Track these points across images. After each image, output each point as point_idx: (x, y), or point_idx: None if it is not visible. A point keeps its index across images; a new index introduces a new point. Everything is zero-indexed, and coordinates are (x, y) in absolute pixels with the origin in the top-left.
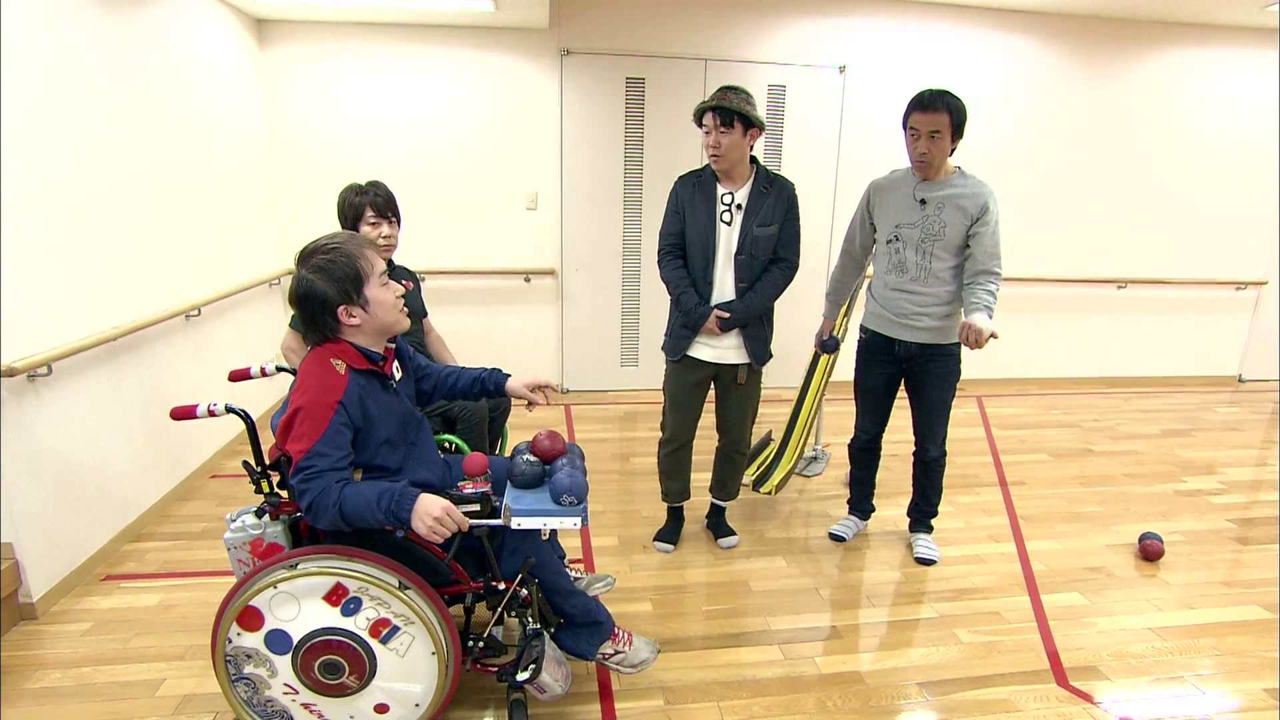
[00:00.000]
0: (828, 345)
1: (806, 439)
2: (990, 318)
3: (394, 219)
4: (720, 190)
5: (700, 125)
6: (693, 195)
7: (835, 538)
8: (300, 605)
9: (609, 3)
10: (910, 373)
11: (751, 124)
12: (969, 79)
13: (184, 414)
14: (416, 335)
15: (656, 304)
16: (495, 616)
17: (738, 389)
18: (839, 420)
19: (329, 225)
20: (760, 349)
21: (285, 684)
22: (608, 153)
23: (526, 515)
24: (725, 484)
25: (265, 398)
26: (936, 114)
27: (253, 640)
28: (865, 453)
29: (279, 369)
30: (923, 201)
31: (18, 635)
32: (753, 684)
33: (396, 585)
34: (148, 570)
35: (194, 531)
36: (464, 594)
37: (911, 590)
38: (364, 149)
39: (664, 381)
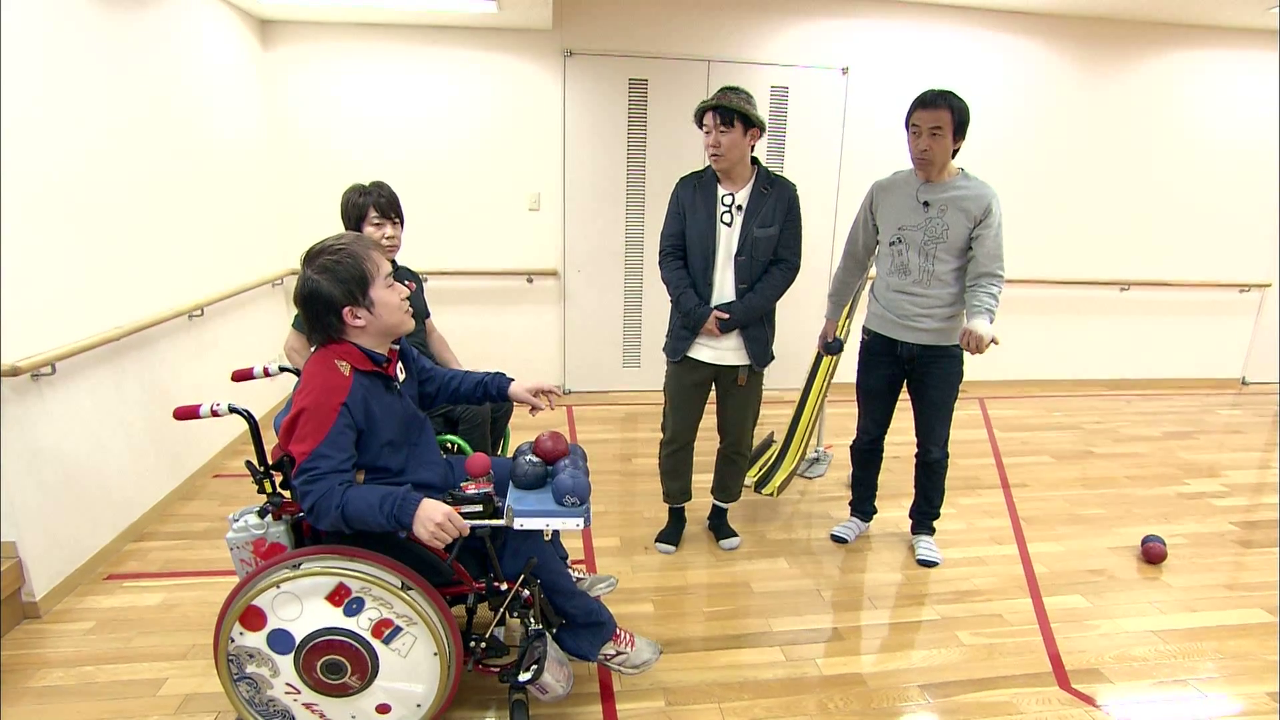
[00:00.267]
0: (831, 347)
1: (809, 440)
2: (992, 321)
3: (397, 220)
4: (721, 191)
5: (701, 125)
6: (693, 196)
7: (837, 539)
8: (303, 605)
9: (612, 4)
10: (912, 374)
11: (752, 124)
12: (971, 80)
13: (187, 414)
14: (419, 336)
15: (658, 305)
16: (497, 617)
17: (738, 390)
18: (841, 422)
19: (332, 226)
20: (761, 351)
21: (287, 684)
22: (610, 153)
23: (529, 516)
24: (726, 485)
25: (268, 398)
26: (938, 111)
27: (255, 640)
28: (867, 454)
29: (282, 369)
30: (926, 204)
31: (20, 634)
32: (754, 685)
33: (399, 586)
34: (150, 570)
35: (196, 531)
36: (466, 594)
37: (913, 592)
38: (367, 149)
39: (665, 382)
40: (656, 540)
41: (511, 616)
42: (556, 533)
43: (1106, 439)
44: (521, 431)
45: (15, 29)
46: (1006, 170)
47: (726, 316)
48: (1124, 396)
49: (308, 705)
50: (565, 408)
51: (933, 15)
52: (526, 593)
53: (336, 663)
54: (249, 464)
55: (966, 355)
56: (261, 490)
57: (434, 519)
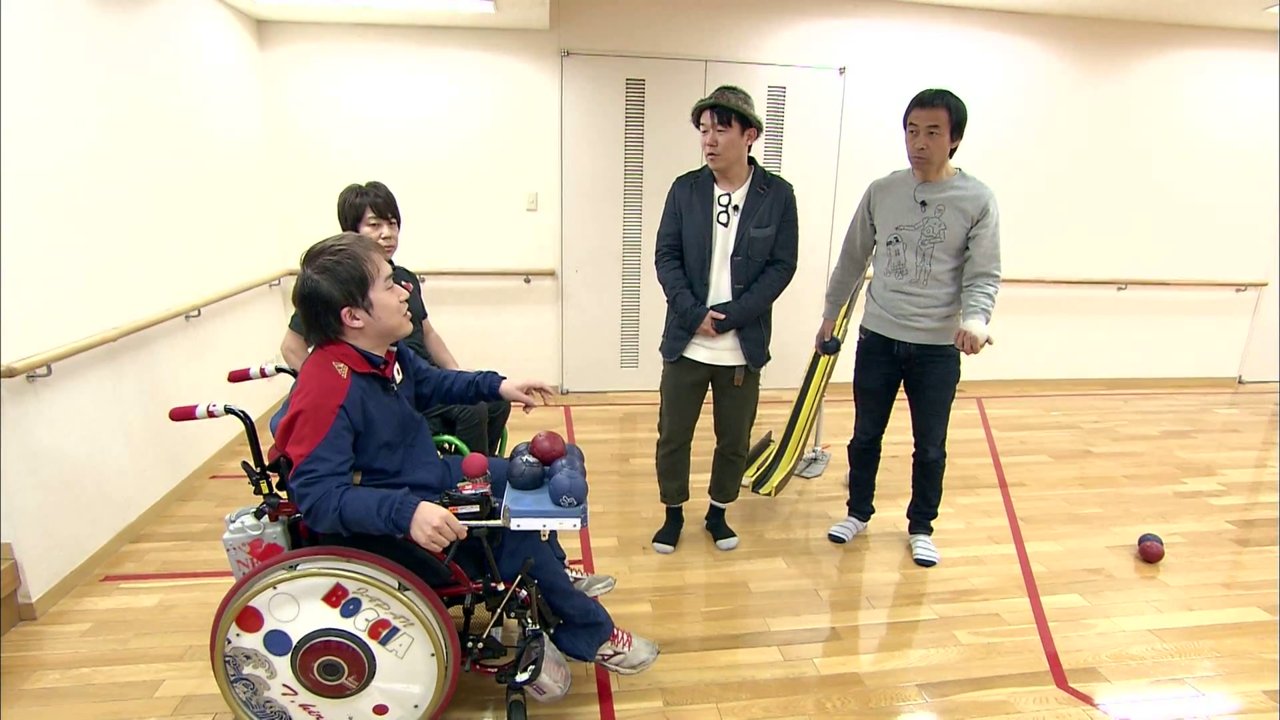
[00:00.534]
0: (828, 346)
1: (806, 440)
2: (987, 321)
3: (394, 220)
4: (717, 191)
5: (698, 124)
6: (690, 196)
7: (835, 539)
8: (299, 606)
9: (609, 4)
10: (910, 374)
11: (749, 123)
12: (969, 80)
13: (183, 415)
14: (416, 336)
15: (656, 305)
16: (494, 617)
17: (734, 391)
18: (839, 421)
19: (329, 226)
20: (757, 351)
21: (284, 685)
22: (608, 154)
23: (526, 516)
24: (724, 485)
25: (265, 399)
26: (936, 110)
27: (252, 641)
28: (865, 454)
29: (279, 370)
30: (923, 203)
31: (17, 636)
32: (752, 685)
33: (396, 586)
34: (147, 571)
35: (193, 532)
36: (463, 595)
37: (911, 592)
38: (364, 150)
39: (661, 383)
40: (654, 540)
41: (509, 617)
42: (554, 533)
43: (1104, 438)
44: (519, 432)
45: (13, 29)
46: (1004, 170)
47: (722, 317)
48: (1122, 396)
49: (305, 706)
50: (563, 408)
51: (930, 15)
52: (524, 593)
53: (333, 664)
54: (245, 465)
55: (963, 355)
56: (258, 491)
57: (431, 522)
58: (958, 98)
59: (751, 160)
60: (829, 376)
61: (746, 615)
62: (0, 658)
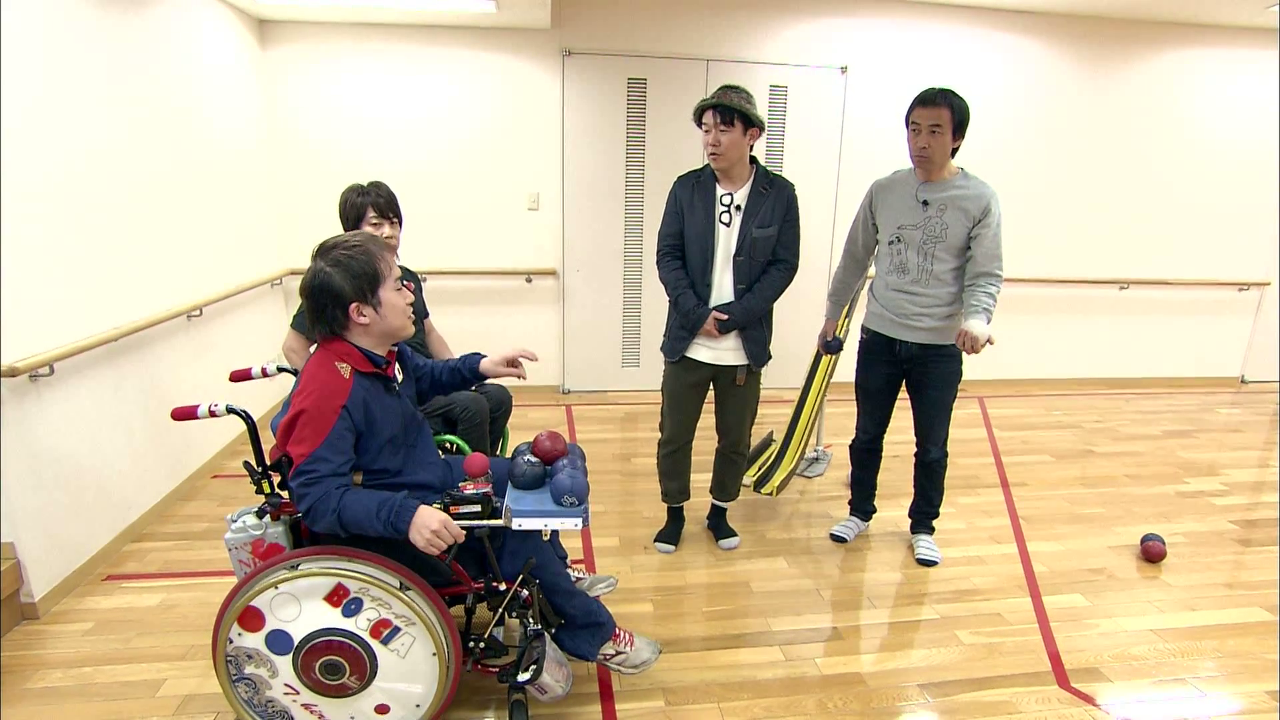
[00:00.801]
0: (831, 346)
1: (808, 440)
2: (989, 321)
3: (396, 220)
4: (719, 191)
5: (700, 124)
6: (692, 196)
7: (836, 539)
8: (301, 606)
9: (611, 3)
10: (911, 373)
11: (751, 123)
12: (971, 79)
13: (185, 414)
14: (418, 336)
15: (658, 305)
16: (496, 617)
17: (736, 390)
18: (840, 421)
19: (331, 225)
20: (759, 351)
21: (286, 684)
22: (609, 153)
23: (527, 516)
24: (725, 485)
25: (266, 398)
26: (938, 109)
27: (254, 641)
28: (866, 453)
29: (280, 369)
30: (925, 203)
31: (19, 635)
32: (753, 685)
33: (397, 586)
34: (149, 570)
35: (195, 532)
36: (465, 595)
37: (913, 591)
38: (366, 149)
39: (663, 382)
40: (655, 540)
41: (510, 616)
42: (555, 533)
43: (1106, 438)
44: (520, 431)
45: (14, 30)
46: (1006, 169)
47: (725, 318)
48: (1123, 395)
49: (306, 706)
50: (564, 407)
51: (932, 14)
52: (525, 593)
53: (335, 663)
54: (247, 465)
55: (965, 354)
56: (260, 491)
57: (430, 526)
58: (960, 97)
59: (753, 160)
60: (831, 376)
61: (748, 615)
62: (2, 657)
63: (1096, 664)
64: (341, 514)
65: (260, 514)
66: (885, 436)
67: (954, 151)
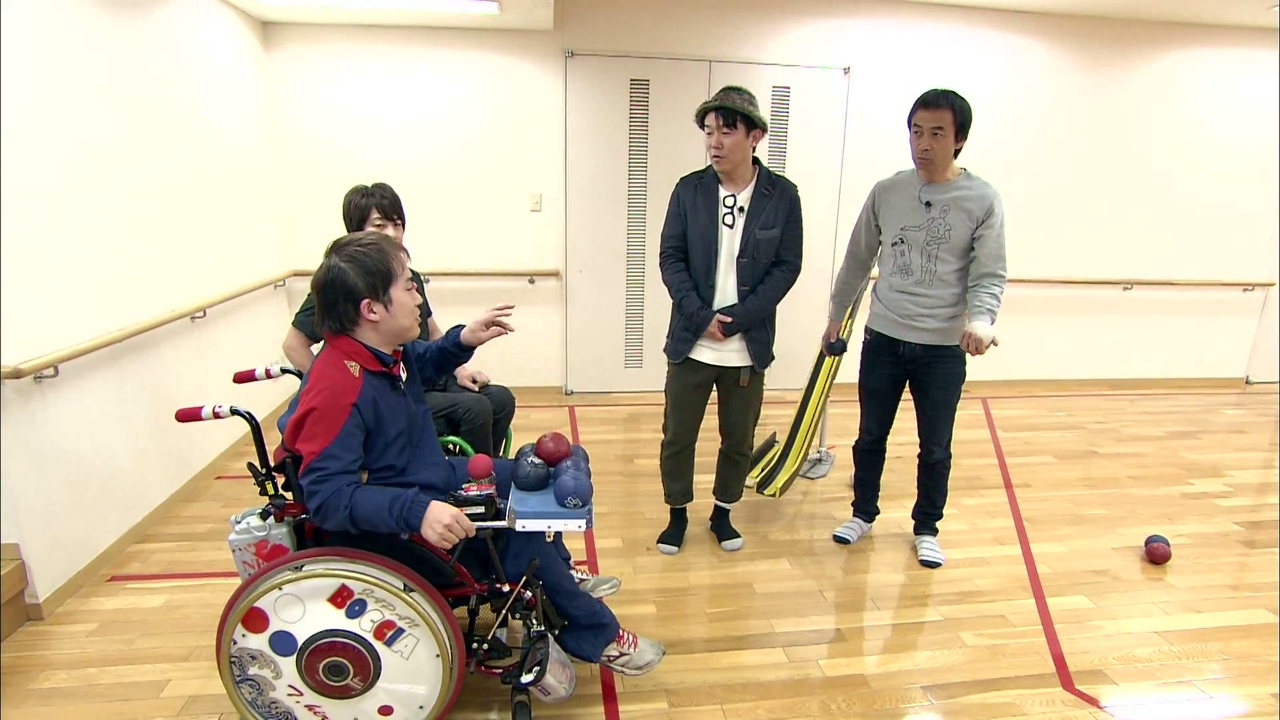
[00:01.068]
0: (835, 347)
1: (811, 441)
2: (993, 322)
3: (399, 221)
4: (722, 192)
5: (703, 126)
6: (694, 197)
7: (839, 540)
8: (305, 607)
9: (613, 4)
10: (915, 374)
11: (754, 125)
12: (973, 80)
13: (189, 416)
14: (422, 336)
15: (660, 306)
16: (499, 619)
17: (739, 391)
18: (843, 422)
19: (334, 227)
20: (762, 352)
21: (290, 686)
22: (612, 154)
23: (531, 518)
24: (728, 486)
25: (270, 399)
26: (940, 111)
27: (257, 642)
28: (870, 455)
29: (283, 371)
30: (928, 204)
31: (24, 636)
32: (756, 687)
33: (401, 587)
34: (153, 571)
35: (199, 533)
36: (468, 596)
37: (916, 593)
38: (369, 151)
39: (666, 383)
40: (658, 541)
41: (514, 618)
42: (559, 534)
43: (1109, 439)
44: (523, 433)
45: (16, 30)
46: (1009, 170)
47: (729, 320)
48: (1127, 396)
49: (310, 707)
50: (567, 408)
51: (934, 15)
52: (529, 594)
53: (339, 664)
54: (251, 466)
55: (968, 355)
56: (263, 492)
57: (442, 520)
58: (962, 98)
59: (756, 161)
60: (834, 377)
61: (751, 616)
62: (6, 658)
63: (1101, 666)
64: (353, 511)
65: (264, 515)
66: (889, 438)
67: (957, 152)
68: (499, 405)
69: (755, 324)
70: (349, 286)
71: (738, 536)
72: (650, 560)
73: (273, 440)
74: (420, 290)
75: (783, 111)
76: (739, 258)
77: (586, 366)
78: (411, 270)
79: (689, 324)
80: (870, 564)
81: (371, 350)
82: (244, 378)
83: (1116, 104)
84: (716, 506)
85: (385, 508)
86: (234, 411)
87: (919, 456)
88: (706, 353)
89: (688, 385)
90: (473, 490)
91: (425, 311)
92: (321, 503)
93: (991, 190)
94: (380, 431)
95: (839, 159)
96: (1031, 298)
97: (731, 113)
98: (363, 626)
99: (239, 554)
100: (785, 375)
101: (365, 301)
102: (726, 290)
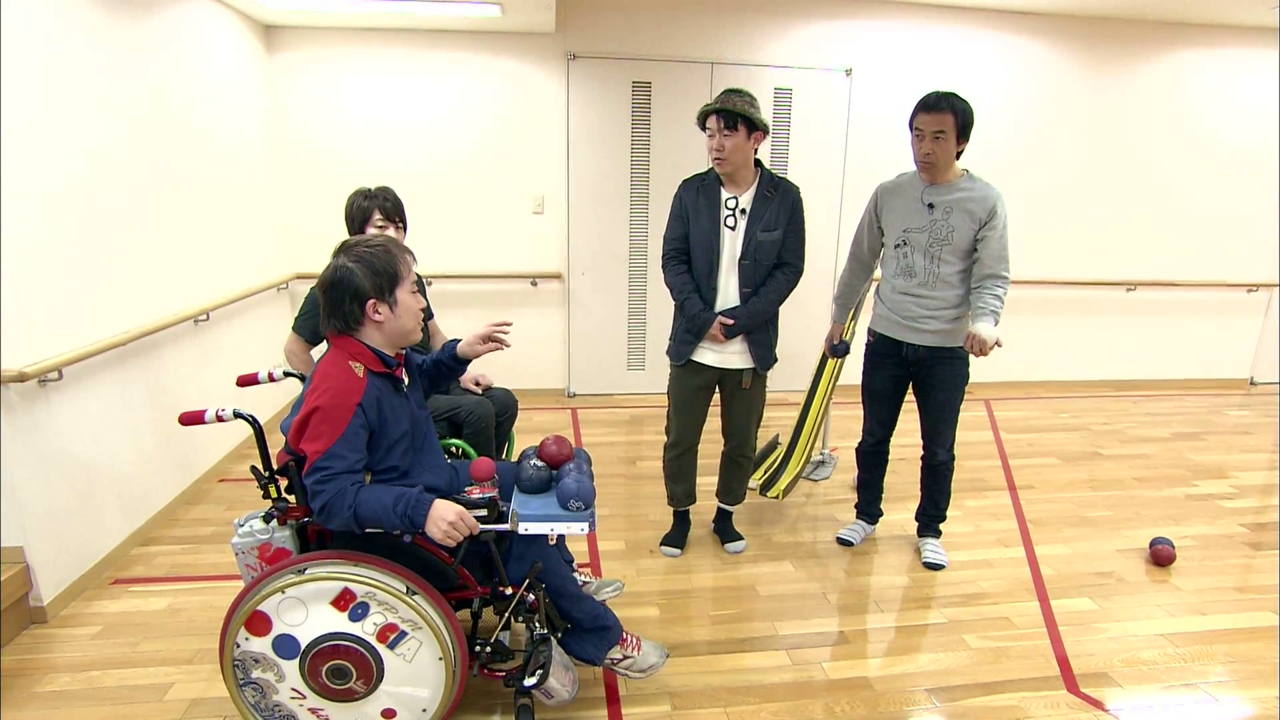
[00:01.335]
0: (838, 349)
1: (814, 443)
2: (996, 323)
3: (401, 224)
4: (724, 195)
5: (704, 128)
6: (696, 199)
7: (843, 542)
8: (308, 610)
9: (615, 7)
10: (918, 376)
11: (755, 127)
12: (975, 81)
13: (192, 419)
14: (423, 339)
15: (663, 308)
16: (502, 622)
17: (742, 393)
18: (846, 424)
19: (336, 230)
20: (765, 354)
21: (293, 689)
22: (614, 156)
23: (533, 520)
24: (731, 488)
25: (272, 402)
26: (941, 115)
27: (260, 645)
28: (873, 456)
29: (287, 374)
30: (930, 206)
31: (27, 639)
32: (760, 689)
33: (404, 590)
34: (156, 574)
35: (202, 536)
36: (471, 599)
37: (920, 595)
38: (371, 153)
39: (668, 386)
40: (661, 543)
41: (516, 621)
42: (562, 537)
43: (1114, 440)
44: (526, 435)
45: (18, 34)
46: (1011, 171)
47: (731, 323)
48: (1131, 397)
49: (313, 710)
50: (569, 411)
51: (936, 16)
52: (531, 597)
53: (342, 668)
54: (254, 469)
55: (972, 357)
56: (267, 495)
57: (446, 518)
58: (964, 100)
59: (758, 163)
60: (837, 379)
61: (754, 619)
62: (10, 661)
63: (1106, 669)
64: (357, 510)
65: (267, 518)
66: (892, 439)
67: (959, 154)
68: (502, 408)
69: (757, 326)
70: (355, 286)
71: (741, 539)
72: (653, 563)
73: (275, 443)
74: (423, 293)
75: (785, 113)
76: (741, 260)
77: (589, 369)
78: (415, 274)
79: (691, 326)
80: (873, 566)
81: (375, 351)
82: (247, 381)
83: (1118, 105)
84: (719, 509)
85: (390, 506)
86: (237, 415)
87: (922, 458)
88: (709, 355)
89: (690, 387)
90: (475, 493)
91: (427, 314)
92: (326, 502)
93: (994, 191)
94: (384, 432)
95: (841, 161)
96: (1035, 299)
97: (733, 115)
98: (366, 629)
99: (242, 557)
100: (788, 377)
101: (371, 302)
102: (728, 292)
